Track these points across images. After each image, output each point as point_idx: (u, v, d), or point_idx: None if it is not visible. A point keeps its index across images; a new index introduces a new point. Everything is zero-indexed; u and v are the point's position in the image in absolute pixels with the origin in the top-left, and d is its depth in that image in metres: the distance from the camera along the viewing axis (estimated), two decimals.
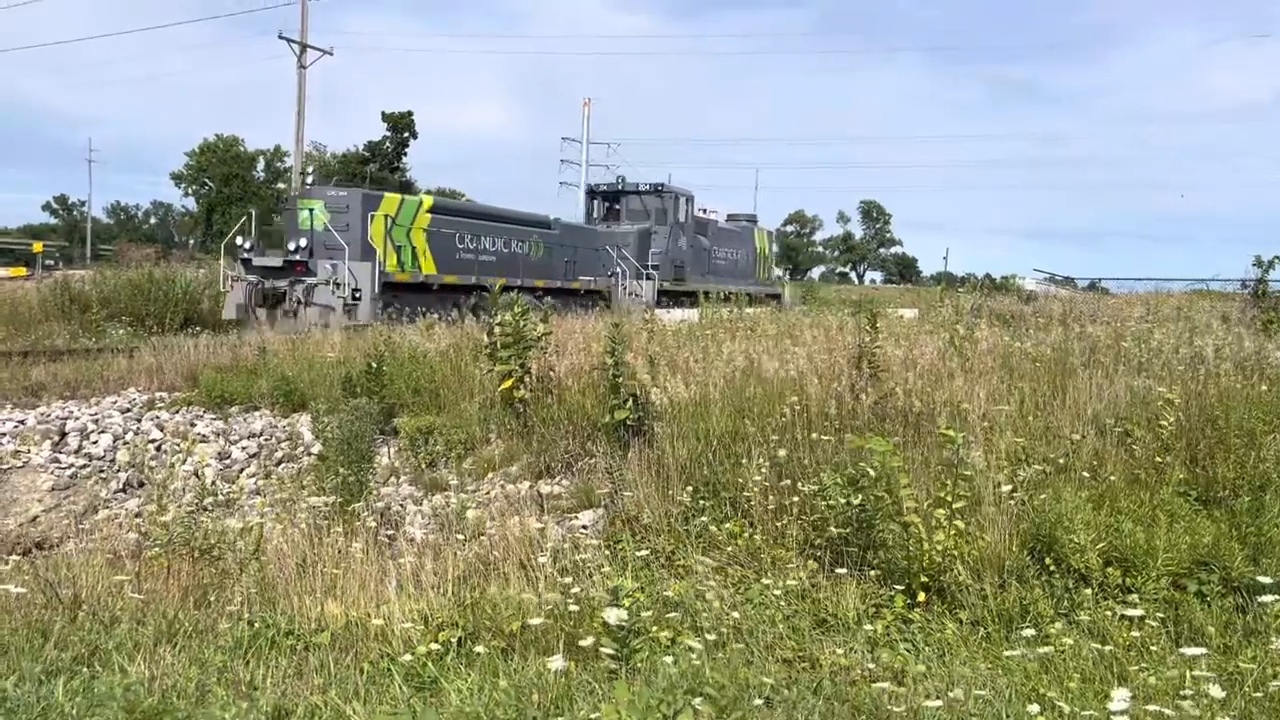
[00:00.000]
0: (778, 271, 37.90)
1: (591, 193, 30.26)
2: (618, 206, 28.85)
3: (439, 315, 15.24)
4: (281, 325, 17.38)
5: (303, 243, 18.70)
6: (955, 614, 4.75)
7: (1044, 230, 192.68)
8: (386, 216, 18.90)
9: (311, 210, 18.97)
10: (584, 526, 6.68)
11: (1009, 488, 5.49)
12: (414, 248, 19.75)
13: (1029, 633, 4.10)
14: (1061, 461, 6.08)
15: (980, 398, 7.04)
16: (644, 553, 5.41)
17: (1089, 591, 4.74)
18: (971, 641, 4.46)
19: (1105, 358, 8.58)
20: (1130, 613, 4.27)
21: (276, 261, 18.87)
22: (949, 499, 5.12)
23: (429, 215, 20.26)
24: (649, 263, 26.53)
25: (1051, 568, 4.95)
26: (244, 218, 20.50)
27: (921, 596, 4.83)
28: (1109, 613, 4.49)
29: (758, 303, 29.03)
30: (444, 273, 20.16)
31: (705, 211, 32.05)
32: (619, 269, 25.59)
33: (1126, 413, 6.80)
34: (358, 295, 17.91)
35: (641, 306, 22.40)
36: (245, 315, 18.21)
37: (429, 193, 19.24)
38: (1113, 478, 5.88)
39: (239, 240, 19.62)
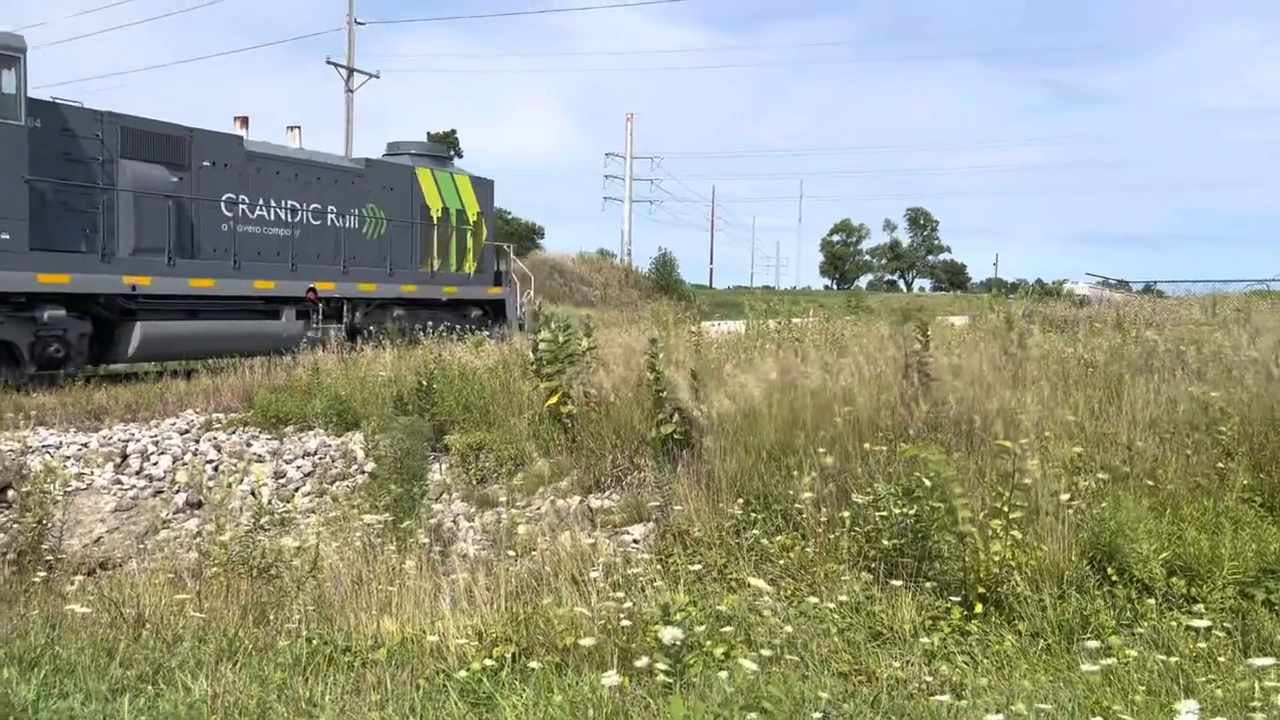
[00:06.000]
0: (510, 259, 22.56)
1: None
2: None
3: None
4: None
5: None
6: (1014, 625, 4.66)
7: (1096, 234, 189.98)
8: None
9: None
10: (635, 541, 6.68)
11: (1067, 496, 5.39)
12: None
13: (1092, 644, 4.01)
14: (1121, 469, 5.95)
15: (1035, 406, 6.92)
16: (696, 566, 5.39)
17: (1152, 601, 4.63)
18: (1031, 653, 4.38)
19: (1163, 362, 8.40)
20: (1196, 623, 4.17)
21: None
22: (1005, 509, 5.04)
23: None
24: None
25: (1113, 578, 4.84)
26: None
27: (979, 608, 4.75)
28: (1174, 623, 4.38)
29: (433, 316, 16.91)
30: None
31: (248, 133, 16.12)
32: None
33: (1186, 418, 6.65)
34: None
35: None
36: None
37: None
38: (1173, 485, 5.75)
39: None
